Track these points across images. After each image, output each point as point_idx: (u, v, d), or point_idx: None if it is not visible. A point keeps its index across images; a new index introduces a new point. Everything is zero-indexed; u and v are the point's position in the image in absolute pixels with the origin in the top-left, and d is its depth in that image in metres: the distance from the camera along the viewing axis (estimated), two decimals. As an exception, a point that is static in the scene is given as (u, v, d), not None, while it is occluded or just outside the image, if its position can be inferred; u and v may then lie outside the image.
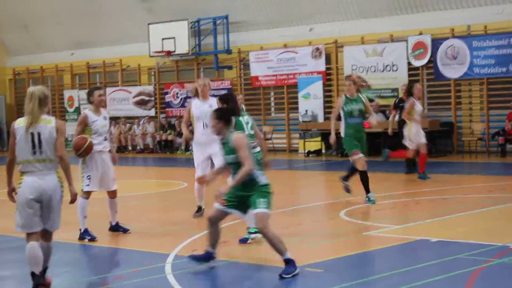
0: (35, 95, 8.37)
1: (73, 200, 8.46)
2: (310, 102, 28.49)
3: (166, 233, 12.46)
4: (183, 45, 31.37)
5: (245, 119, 11.42)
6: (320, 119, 28.18)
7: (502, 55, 24.50)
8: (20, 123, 8.44)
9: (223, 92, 30.90)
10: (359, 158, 14.50)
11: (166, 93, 33.06)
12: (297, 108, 29.06)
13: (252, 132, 11.33)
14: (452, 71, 25.63)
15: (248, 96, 30.88)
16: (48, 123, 8.35)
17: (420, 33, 26.25)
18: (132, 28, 33.28)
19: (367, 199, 14.38)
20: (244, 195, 9.11)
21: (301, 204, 15.89)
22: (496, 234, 11.03)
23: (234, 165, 9.16)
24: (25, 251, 8.22)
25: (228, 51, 31.05)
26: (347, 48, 27.94)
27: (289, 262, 8.78)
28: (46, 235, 8.41)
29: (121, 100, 33.86)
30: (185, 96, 32.10)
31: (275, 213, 14.03)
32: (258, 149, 11.21)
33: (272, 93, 30.92)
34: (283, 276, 8.66)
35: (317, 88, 28.39)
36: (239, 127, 10.79)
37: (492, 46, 24.81)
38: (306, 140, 28.08)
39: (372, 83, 27.19)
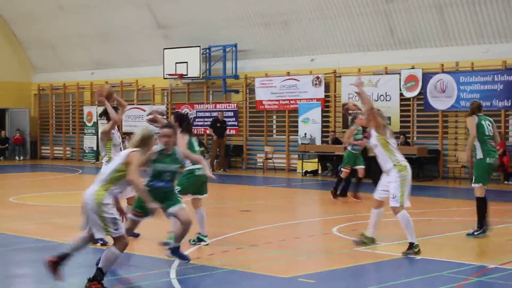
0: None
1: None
2: (309, 126, 28.53)
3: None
4: (194, 69, 31.47)
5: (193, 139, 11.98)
6: (318, 142, 28.23)
7: (487, 90, 24.54)
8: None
9: (230, 113, 31.05)
10: None
11: (178, 112, 32.99)
12: (296, 131, 29.11)
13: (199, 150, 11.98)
14: (440, 103, 25.66)
15: (252, 118, 30.97)
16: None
17: (413, 67, 26.30)
18: (149, 52, 33.42)
19: None
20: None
21: (298, 220, 15.90)
22: (475, 255, 11.03)
23: (172, 174, 9.87)
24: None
25: (236, 76, 31.15)
26: (345, 78, 27.98)
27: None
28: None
29: (136, 118, 33.89)
30: (195, 116, 32.20)
31: (274, 226, 14.10)
32: (200, 165, 11.53)
33: (274, 117, 30.94)
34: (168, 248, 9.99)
35: (316, 113, 28.43)
36: (191, 145, 11.52)
37: (477, 82, 24.85)
38: (304, 161, 28.09)
39: (366, 111, 27.16)
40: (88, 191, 8.50)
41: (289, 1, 28.63)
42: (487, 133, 12.62)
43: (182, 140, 11.30)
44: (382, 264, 10.35)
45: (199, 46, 31.30)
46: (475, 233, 12.41)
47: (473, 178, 12.61)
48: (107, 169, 8.74)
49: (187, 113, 30.85)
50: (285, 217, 15.56)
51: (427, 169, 25.71)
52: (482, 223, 12.47)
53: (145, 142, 8.84)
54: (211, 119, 31.35)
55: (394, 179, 11.04)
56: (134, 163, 8.47)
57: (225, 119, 30.84)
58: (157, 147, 9.73)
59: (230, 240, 12.25)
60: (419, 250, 10.86)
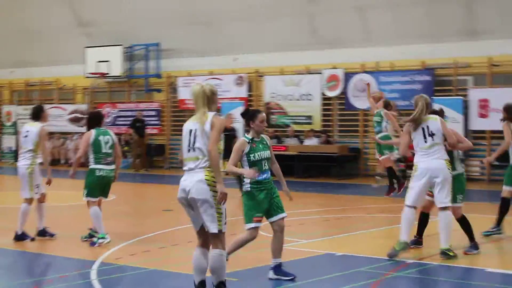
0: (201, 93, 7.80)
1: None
2: (232, 124, 28.48)
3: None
4: (116, 68, 31.21)
5: (106, 138, 11.93)
6: (241, 141, 28.22)
7: (406, 89, 24.95)
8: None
9: (152, 112, 30.84)
10: None
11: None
12: (220, 130, 29.04)
13: (109, 150, 11.86)
14: (361, 102, 25.99)
15: (175, 117, 30.82)
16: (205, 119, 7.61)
17: (334, 67, 26.58)
18: (70, 50, 32.88)
19: None
20: None
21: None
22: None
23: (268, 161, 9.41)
24: None
25: (158, 76, 31.01)
26: (267, 78, 28.13)
27: None
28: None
29: (56, 117, 33.31)
30: (117, 115, 31.92)
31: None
32: (113, 166, 11.87)
33: (197, 116, 30.81)
34: None
35: (239, 112, 28.40)
36: (96, 145, 11.73)
37: (397, 81, 25.27)
38: (225, 160, 28.03)
39: (288, 110, 27.44)
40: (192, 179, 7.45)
41: (212, 1, 28.61)
42: None
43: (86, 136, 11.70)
44: (304, 261, 10.41)
45: (121, 45, 31.07)
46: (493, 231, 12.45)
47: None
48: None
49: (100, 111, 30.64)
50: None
51: (348, 167, 26.01)
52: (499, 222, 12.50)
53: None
54: (133, 118, 31.14)
55: None
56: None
57: (147, 118, 30.65)
58: (245, 136, 9.20)
59: (152, 240, 12.18)
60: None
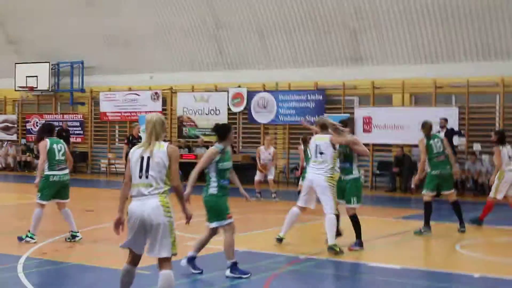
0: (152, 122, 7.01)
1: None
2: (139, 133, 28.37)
3: (20, 238, 12.00)
4: (44, 83, 30.61)
5: (59, 146, 11.86)
6: (155, 150, 28.07)
7: (301, 107, 25.30)
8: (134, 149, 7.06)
9: (76, 123, 30.32)
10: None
11: (28, 121, 32.10)
12: (138, 140, 28.79)
13: (62, 157, 11.74)
14: (262, 117, 26.21)
15: (97, 128, 30.45)
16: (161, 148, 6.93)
17: (239, 86, 26.71)
18: (1, 66, 32.07)
19: None
20: None
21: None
22: (289, 247, 11.29)
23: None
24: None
25: (82, 90, 30.55)
26: (180, 94, 28.06)
27: None
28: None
29: (-12, 126, 32.51)
30: (44, 125, 31.33)
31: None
32: (67, 171, 11.75)
33: (117, 127, 30.51)
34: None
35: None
36: (51, 153, 11.54)
37: (294, 100, 25.57)
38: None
39: (199, 123, 27.45)
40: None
41: (130, 23, 28.36)
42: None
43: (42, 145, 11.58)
44: (209, 257, 10.37)
45: (49, 62, 30.49)
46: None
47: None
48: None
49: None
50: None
51: (250, 174, 26.04)
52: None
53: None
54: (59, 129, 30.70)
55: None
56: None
57: (72, 128, 30.19)
58: (218, 146, 9.13)
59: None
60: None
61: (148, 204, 6.80)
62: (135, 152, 6.96)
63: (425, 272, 9.60)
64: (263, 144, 20.94)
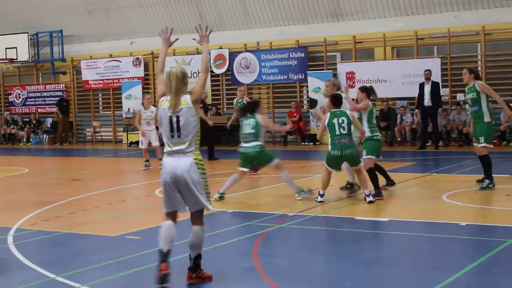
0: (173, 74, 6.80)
1: None
2: (132, 102, 28.22)
3: (9, 210, 12.01)
4: (24, 54, 30.35)
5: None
6: (140, 116, 28.05)
7: (284, 65, 25.25)
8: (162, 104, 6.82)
9: (59, 92, 30.14)
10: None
11: (10, 94, 31.87)
12: (121, 107, 28.75)
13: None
14: (245, 78, 26.15)
15: (80, 97, 30.34)
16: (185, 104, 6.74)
17: (220, 47, 26.58)
18: (-21, 39, 31.77)
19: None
20: None
21: (125, 185, 15.75)
22: (276, 206, 11.37)
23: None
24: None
25: (63, 59, 30.31)
26: (162, 58, 27.90)
27: None
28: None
29: (-30, 100, 32.27)
30: (26, 96, 31.17)
31: (102, 192, 13.91)
32: None
33: (100, 95, 30.39)
34: None
35: (137, 90, 28.17)
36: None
37: (276, 59, 25.51)
38: (128, 133, 27.80)
39: (182, 87, 27.38)
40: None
41: (108, -10, 28.13)
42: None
43: None
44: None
45: (27, 33, 30.19)
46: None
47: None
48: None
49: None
50: (112, 184, 15.37)
51: (236, 135, 26.03)
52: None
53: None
54: (41, 99, 30.67)
55: None
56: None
57: (55, 98, 30.09)
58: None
59: (62, 206, 11.98)
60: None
61: (182, 161, 6.70)
62: (163, 112, 6.77)
63: (413, 223, 9.70)
64: (143, 104, 18.49)
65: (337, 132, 11.20)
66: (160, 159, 16.99)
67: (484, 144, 12.16)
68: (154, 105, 17.50)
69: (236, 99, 18.43)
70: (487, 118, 12.16)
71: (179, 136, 6.72)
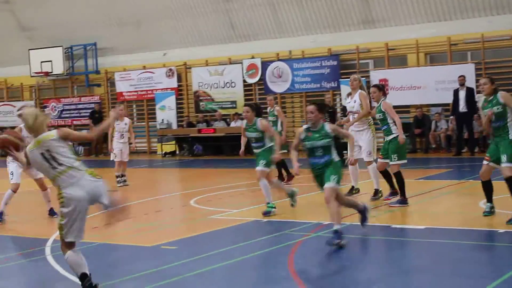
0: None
1: None
2: (166, 112, 28.42)
3: (46, 222, 12.13)
4: (59, 67, 30.74)
5: None
6: (174, 126, 28.22)
7: (316, 74, 25.22)
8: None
9: (93, 104, 30.42)
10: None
11: (46, 106, 32.28)
12: (155, 118, 28.94)
13: None
14: (278, 87, 26.15)
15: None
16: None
17: (253, 57, 26.64)
18: (15, 53, 32.21)
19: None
20: None
21: (160, 195, 15.83)
22: (312, 214, 11.33)
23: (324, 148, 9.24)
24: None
25: (97, 72, 30.64)
26: (194, 69, 28.05)
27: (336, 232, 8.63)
28: None
29: (7, 113, 32.70)
30: (62, 109, 31.55)
31: (138, 203, 13.97)
32: None
33: (134, 106, 30.63)
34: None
35: (171, 101, 28.36)
36: None
37: (308, 67, 25.48)
38: (163, 143, 27.98)
39: (215, 97, 27.45)
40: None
41: (140, 3, 28.37)
42: None
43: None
44: (235, 228, 10.48)
45: (62, 46, 30.57)
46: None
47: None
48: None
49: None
50: (148, 194, 15.46)
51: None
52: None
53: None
54: (76, 111, 31.05)
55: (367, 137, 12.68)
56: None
57: (89, 110, 30.41)
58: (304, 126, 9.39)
59: (98, 217, 12.05)
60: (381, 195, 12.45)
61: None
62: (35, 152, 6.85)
63: (449, 230, 9.59)
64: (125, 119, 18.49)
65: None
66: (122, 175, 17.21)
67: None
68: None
69: (268, 108, 18.38)
70: None
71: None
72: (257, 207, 12.52)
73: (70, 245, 6.99)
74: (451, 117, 22.05)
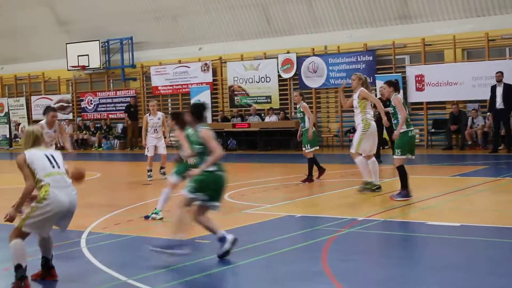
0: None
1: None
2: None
3: (82, 214, 12.23)
4: (95, 61, 31.04)
5: None
6: (209, 120, 28.22)
7: (352, 69, 25.06)
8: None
9: (129, 98, 30.67)
10: None
11: (82, 100, 32.61)
12: (190, 112, 29.05)
13: None
14: (313, 82, 26.10)
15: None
16: None
17: (288, 52, 26.62)
18: (52, 47, 32.59)
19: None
20: None
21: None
22: (346, 210, 11.32)
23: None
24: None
25: (133, 66, 30.86)
26: (230, 64, 28.10)
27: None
28: None
29: (44, 106, 33.11)
30: (98, 102, 31.85)
31: (173, 196, 14.04)
32: None
33: (169, 100, 30.80)
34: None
35: (206, 95, 28.45)
36: None
37: (343, 62, 25.39)
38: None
39: (250, 92, 27.48)
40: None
41: (177, -3, 28.53)
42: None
43: None
44: (267, 223, 10.50)
45: (98, 40, 30.85)
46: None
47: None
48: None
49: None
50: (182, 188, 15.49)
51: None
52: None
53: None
54: (112, 105, 31.33)
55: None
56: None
57: (125, 104, 30.65)
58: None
59: (133, 210, 12.18)
60: (373, 186, 12.72)
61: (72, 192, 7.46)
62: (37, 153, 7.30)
63: (485, 228, 9.51)
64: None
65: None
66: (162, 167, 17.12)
67: None
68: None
69: (297, 105, 18.04)
70: None
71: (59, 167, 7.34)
72: (290, 202, 12.55)
73: (23, 235, 7.20)
74: (488, 113, 21.81)
